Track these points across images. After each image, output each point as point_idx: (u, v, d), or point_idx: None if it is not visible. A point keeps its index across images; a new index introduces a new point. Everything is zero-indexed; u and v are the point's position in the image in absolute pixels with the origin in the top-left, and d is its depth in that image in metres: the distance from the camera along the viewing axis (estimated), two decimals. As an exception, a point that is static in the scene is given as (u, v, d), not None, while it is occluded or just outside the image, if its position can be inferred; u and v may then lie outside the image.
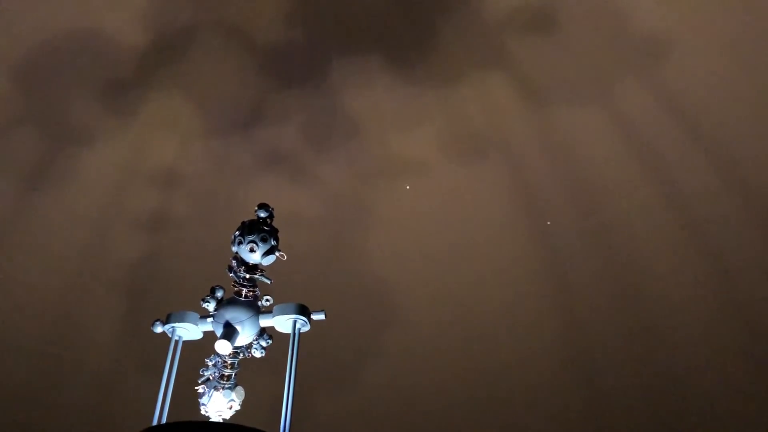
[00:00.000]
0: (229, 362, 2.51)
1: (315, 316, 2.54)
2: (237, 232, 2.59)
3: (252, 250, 2.53)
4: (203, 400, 2.47)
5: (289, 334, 2.52)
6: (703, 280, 4.66)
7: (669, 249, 4.73)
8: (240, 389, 2.53)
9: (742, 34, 4.32)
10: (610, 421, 4.82)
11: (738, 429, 4.57)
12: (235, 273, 2.57)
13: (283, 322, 2.52)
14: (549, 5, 4.67)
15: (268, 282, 2.59)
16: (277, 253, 2.59)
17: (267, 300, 2.56)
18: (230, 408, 2.49)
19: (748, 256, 4.56)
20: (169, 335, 2.58)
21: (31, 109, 4.75)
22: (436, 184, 5.06)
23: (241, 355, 2.55)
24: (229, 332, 2.45)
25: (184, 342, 2.61)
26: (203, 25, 4.88)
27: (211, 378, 2.51)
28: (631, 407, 4.80)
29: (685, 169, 4.62)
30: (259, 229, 2.57)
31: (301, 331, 2.52)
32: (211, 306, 2.50)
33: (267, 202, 2.66)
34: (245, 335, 2.50)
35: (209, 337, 2.53)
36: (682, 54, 4.45)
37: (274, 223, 2.66)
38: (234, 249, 2.59)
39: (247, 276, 2.56)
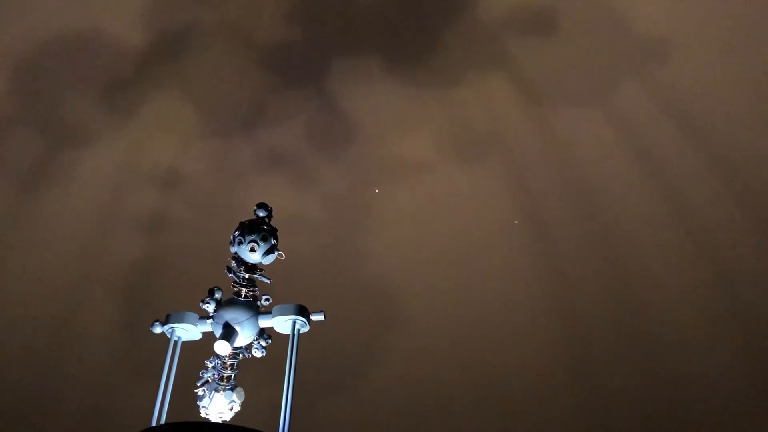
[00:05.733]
0: (228, 363, 2.51)
1: (314, 317, 2.54)
2: (236, 232, 2.59)
3: (253, 250, 2.53)
4: (203, 402, 2.47)
5: (288, 335, 2.52)
6: (703, 283, 4.66)
7: (668, 250, 4.73)
8: (240, 390, 2.53)
9: (743, 36, 4.32)
10: (610, 422, 4.81)
11: (738, 432, 4.57)
12: (234, 273, 2.57)
13: (282, 323, 2.52)
14: (549, 7, 4.67)
15: (268, 281, 2.59)
16: (276, 253, 2.59)
17: (266, 299, 2.56)
18: (231, 409, 2.48)
19: (749, 258, 4.56)
20: (168, 336, 2.58)
21: (29, 108, 4.74)
22: (437, 186, 5.06)
23: (241, 355, 2.54)
24: (228, 333, 2.44)
25: (183, 343, 2.61)
26: (203, 25, 4.88)
27: (210, 380, 2.50)
28: (630, 409, 4.80)
29: (685, 170, 4.62)
30: (260, 228, 2.58)
31: (300, 332, 2.52)
32: (210, 307, 2.50)
33: (266, 202, 2.67)
34: (244, 336, 2.49)
35: (209, 339, 2.52)
36: (682, 56, 4.45)
37: (272, 223, 2.67)
38: (233, 249, 2.59)
39: (247, 276, 2.56)
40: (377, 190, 4.95)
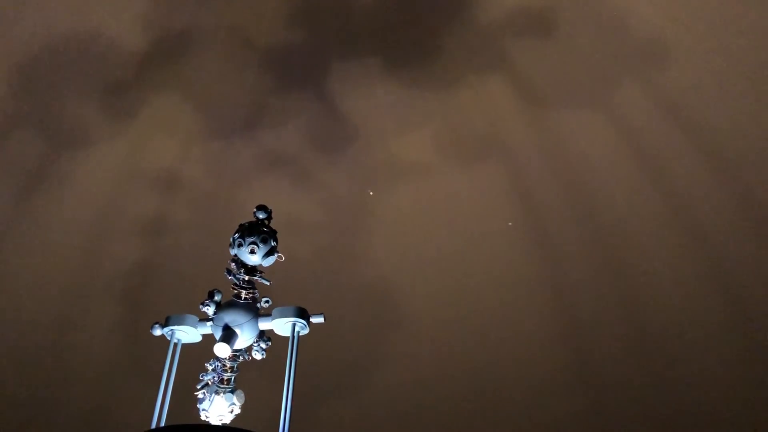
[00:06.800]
0: (228, 365, 2.51)
1: (314, 320, 2.53)
2: (236, 234, 2.59)
3: (253, 252, 2.53)
4: (204, 405, 2.46)
5: (288, 338, 2.51)
6: (703, 284, 4.66)
7: (668, 252, 4.73)
8: (240, 393, 2.52)
9: (742, 38, 4.32)
10: (611, 423, 4.81)
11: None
12: (234, 275, 2.57)
13: (282, 325, 2.52)
14: (548, 9, 4.67)
15: (267, 283, 2.59)
16: (276, 255, 2.59)
17: (266, 301, 2.56)
18: (231, 412, 2.48)
19: (748, 259, 4.56)
20: (168, 338, 2.58)
21: (30, 111, 4.74)
22: (437, 187, 5.06)
23: (241, 358, 2.54)
24: (228, 335, 2.44)
25: (183, 345, 2.61)
26: (203, 27, 4.88)
27: (210, 382, 2.50)
28: (630, 410, 4.80)
29: (685, 172, 4.62)
30: (260, 230, 2.58)
31: (300, 334, 2.51)
32: (210, 310, 2.50)
33: (266, 204, 2.67)
34: (244, 338, 2.49)
35: (209, 341, 2.52)
36: (681, 57, 4.45)
37: (272, 225, 2.67)
38: (233, 251, 2.59)
39: (246, 278, 2.56)
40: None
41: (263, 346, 2.54)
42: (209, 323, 2.52)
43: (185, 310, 2.62)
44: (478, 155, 5.02)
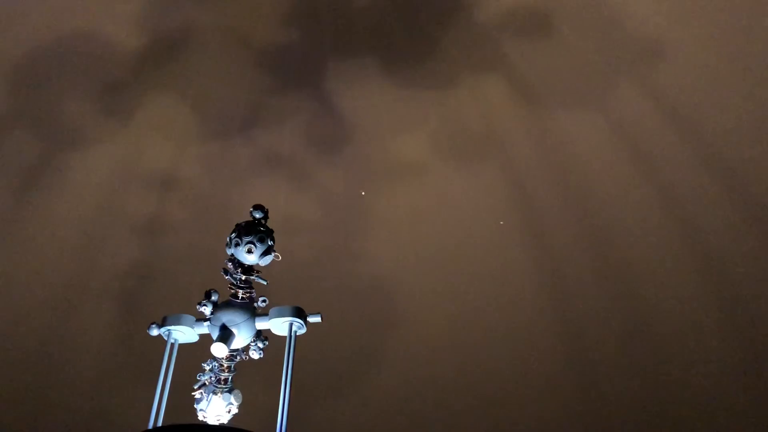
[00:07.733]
0: (225, 365, 2.51)
1: (311, 319, 2.54)
2: (233, 234, 2.59)
3: (250, 252, 2.53)
4: (201, 405, 2.47)
5: (285, 337, 2.52)
6: (700, 284, 4.67)
7: (666, 252, 4.74)
8: (238, 392, 2.53)
9: (739, 38, 4.33)
10: (608, 423, 4.82)
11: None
12: (231, 275, 2.57)
13: (279, 325, 2.52)
14: (544, 9, 4.68)
15: (264, 283, 2.59)
16: (273, 254, 2.59)
17: (263, 301, 2.56)
18: (228, 412, 2.48)
19: (746, 259, 4.57)
20: (165, 338, 2.58)
21: (25, 111, 4.73)
22: (433, 187, 5.07)
23: (238, 357, 2.54)
24: (225, 335, 2.44)
25: (180, 345, 2.61)
26: (199, 27, 4.87)
27: (207, 382, 2.50)
28: (628, 410, 4.81)
29: (682, 172, 4.63)
30: (257, 230, 2.58)
31: (297, 334, 2.52)
32: (207, 310, 2.50)
33: (262, 204, 2.67)
34: (241, 338, 2.49)
35: (206, 341, 2.52)
36: (678, 57, 4.46)
37: (268, 224, 2.67)
38: (230, 251, 2.59)
39: (243, 278, 2.56)
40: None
41: (260, 345, 2.54)
42: (206, 323, 2.52)
43: (182, 310, 2.62)
44: (475, 154, 5.02)
